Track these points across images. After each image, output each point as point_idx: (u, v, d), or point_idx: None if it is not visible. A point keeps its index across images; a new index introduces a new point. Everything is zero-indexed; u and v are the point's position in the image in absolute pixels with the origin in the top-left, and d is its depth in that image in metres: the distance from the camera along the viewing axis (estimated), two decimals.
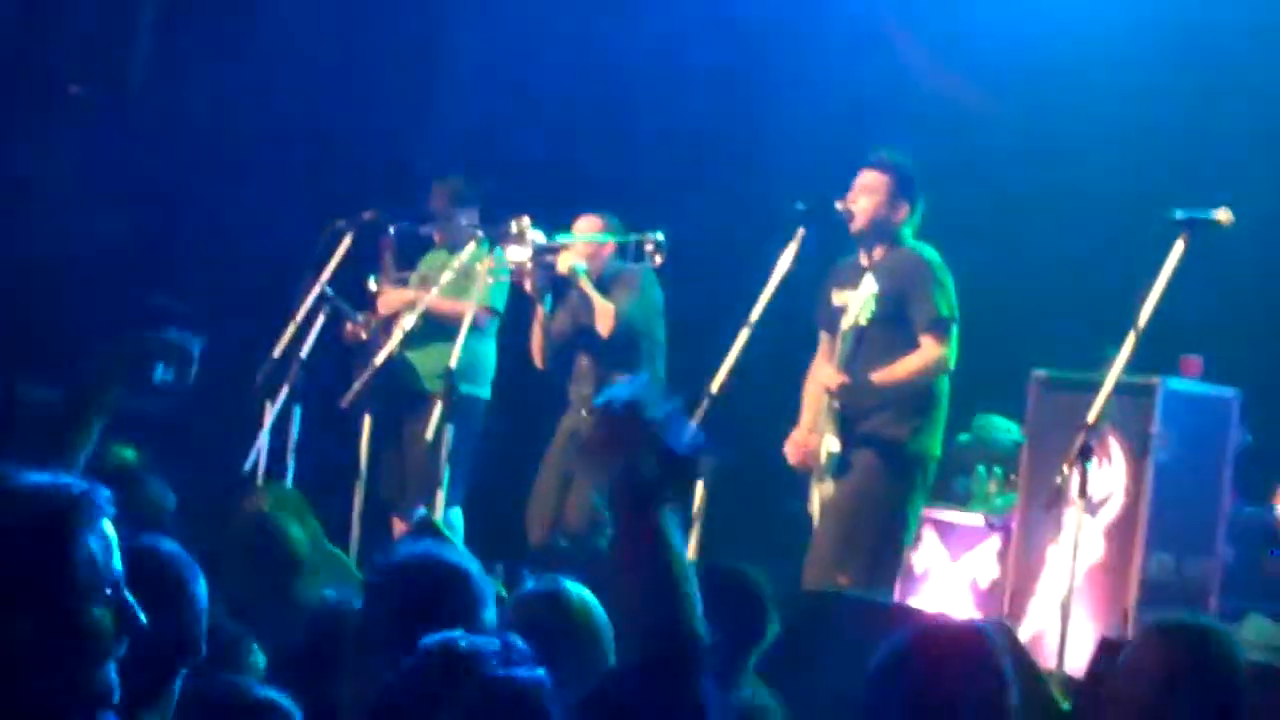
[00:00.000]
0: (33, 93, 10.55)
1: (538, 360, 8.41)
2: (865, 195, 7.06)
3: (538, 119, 10.49)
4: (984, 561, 8.62)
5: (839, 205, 7.06)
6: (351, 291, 8.69)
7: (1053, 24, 9.49)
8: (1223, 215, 6.00)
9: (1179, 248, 5.90)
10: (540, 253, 8.15)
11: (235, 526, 5.74)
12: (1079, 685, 5.39)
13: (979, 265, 7.50)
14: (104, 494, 2.57)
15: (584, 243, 8.28)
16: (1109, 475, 7.79)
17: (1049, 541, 7.94)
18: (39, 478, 2.56)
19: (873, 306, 6.86)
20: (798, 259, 6.88)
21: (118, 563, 2.56)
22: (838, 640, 4.91)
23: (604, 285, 8.28)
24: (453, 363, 7.74)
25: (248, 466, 8.09)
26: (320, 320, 8.26)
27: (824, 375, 6.91)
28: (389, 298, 8.71)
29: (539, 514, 8.36)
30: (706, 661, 2.77)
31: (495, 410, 8.62)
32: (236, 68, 10.27)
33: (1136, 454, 7.72)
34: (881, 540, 6.89)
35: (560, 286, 8.34)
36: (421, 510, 7.93)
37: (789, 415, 7.16)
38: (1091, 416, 5.77)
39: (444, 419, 7.66)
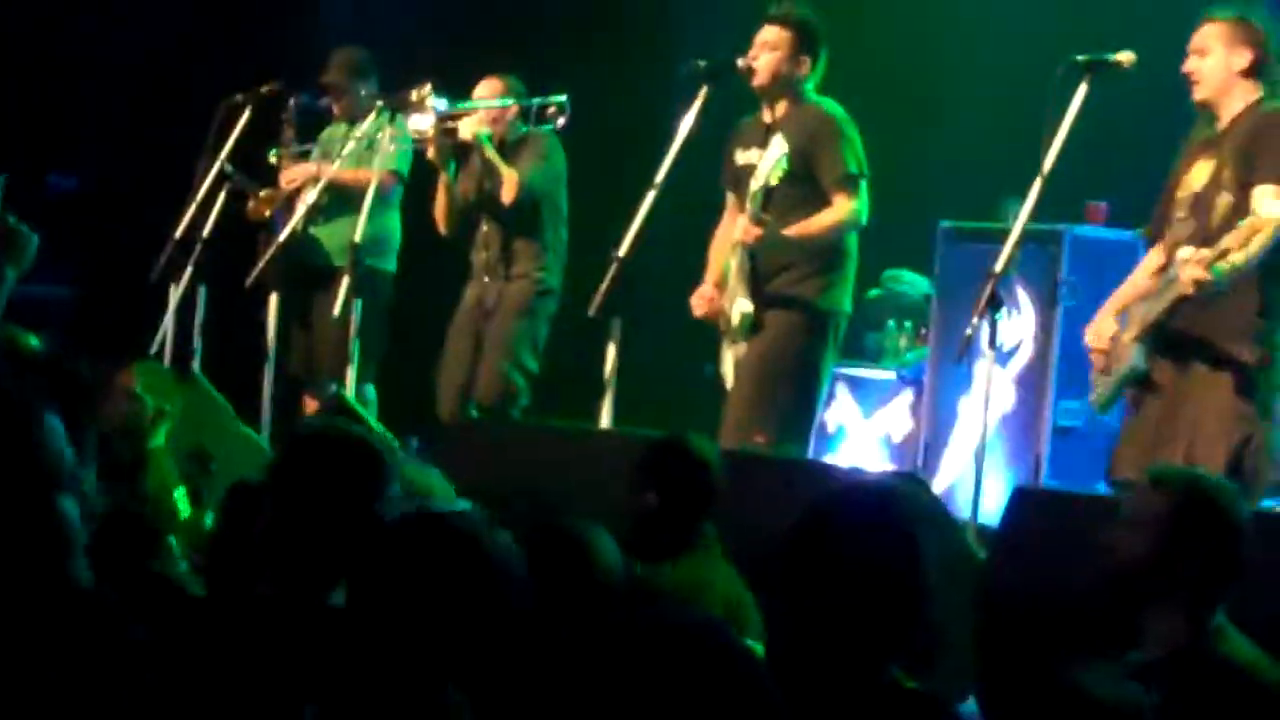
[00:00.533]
0: None
1: (442, 227, 8.34)
2: (767, 51, 7.00)
3: None
4: (897, 416, 8.67)
5: (740, 63, 7.00)
6: (252, 168, 8.58)
7: None
8: (1124, 57, 5.99)
9: (1082, 92, 5.88)
10: (443, 119, 8.06)
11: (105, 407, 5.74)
12: (994, 534, 5.43)
13: (881, 118, 7.47)
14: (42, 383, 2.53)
15: (487, 108, 8.20)
16: (1018, 324, 7.83)
17: (960, 393, 8.00)
18: None
19: (784, 166, 6.83)
20: (701, 119, 6.83)
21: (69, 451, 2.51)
22: (755, 500, 4.92)
23: (507, 150, 8.21)
24: (357, 237, 7.67)
25: (153, 349, 8.03)
26: (221, 198, 8.16)
27: (738, 229, 6.88)
28: (291, 172, 8.61)
29: (449, 385, 8.31)
30: None
31: (400, 281, 8.56)
32: None
33: (1045, 302, 7.76)
34: (796, 399, 6.90)
35: (463, 153, 8.26)
36: (334, 387, 7.90)
37: (697, 278, 7.14)
38: (999, 266, 5.76)
39: (351, 294, 7.60)
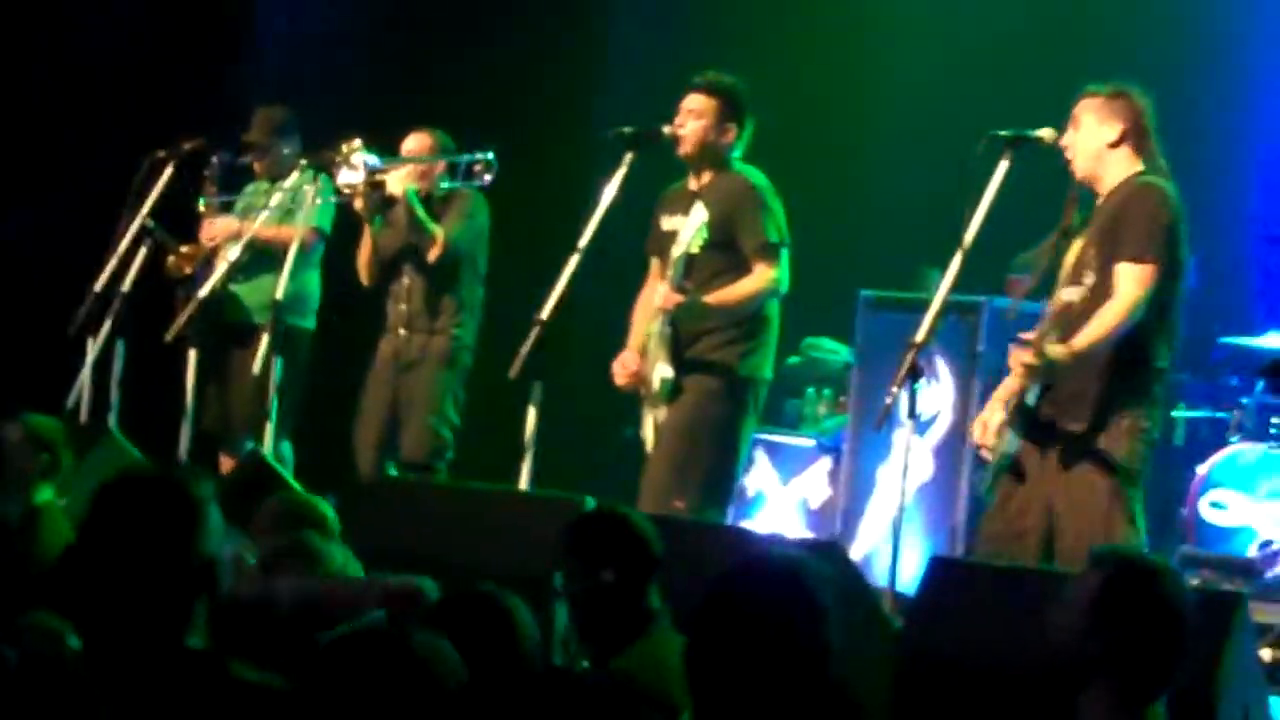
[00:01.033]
0: None
1: (364, 278, 8.32)
2: (693, 119, 7.04)
3: (362, 37, 10.38)
4: (815, 482, 8.71)
5: (666, 129, 7.03)
6: (174, 223, 8.54)
7: None
8: (1045, 134, 6.05)
9: (1003, 167, 5.94)
10: (371, 173, 8.06)
11: None
12: (910, 603, 5.44)
13: (804, 186, 7.51)
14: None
15: (415, 163, 8.20)
16: (937, 394, 7.89)
17: (879, 461, 8.04)
18: None
19: (705, 235, 6.86)
20: (625, 184, 6.86)
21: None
22: (673, 565, 4.91)
23: (433, 204, 8.21)
24: (279, 294, 7.64)
25: (70, 403, 7.96)
26: (142, 253, 8.12)
27: (659, 296, 6.89)
28: (213, 228, 8.57)
29: (366, 441, 8.28)
30: None
31: (318, 335, 8.55)
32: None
33: (963, 373, 7.82)
34: (715, 464, 6.91)
35: (388, 205, 8.26)
36: (250, 444, 7.85)
37: (619, 342, 7.14)
38: (919, 337, 5.79)
39: (271, 351, 7.56)
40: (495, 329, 8.15)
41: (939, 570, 5.33)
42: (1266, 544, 7.94)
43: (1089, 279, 5.87)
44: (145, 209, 8.19)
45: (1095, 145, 5.95)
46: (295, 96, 9.01)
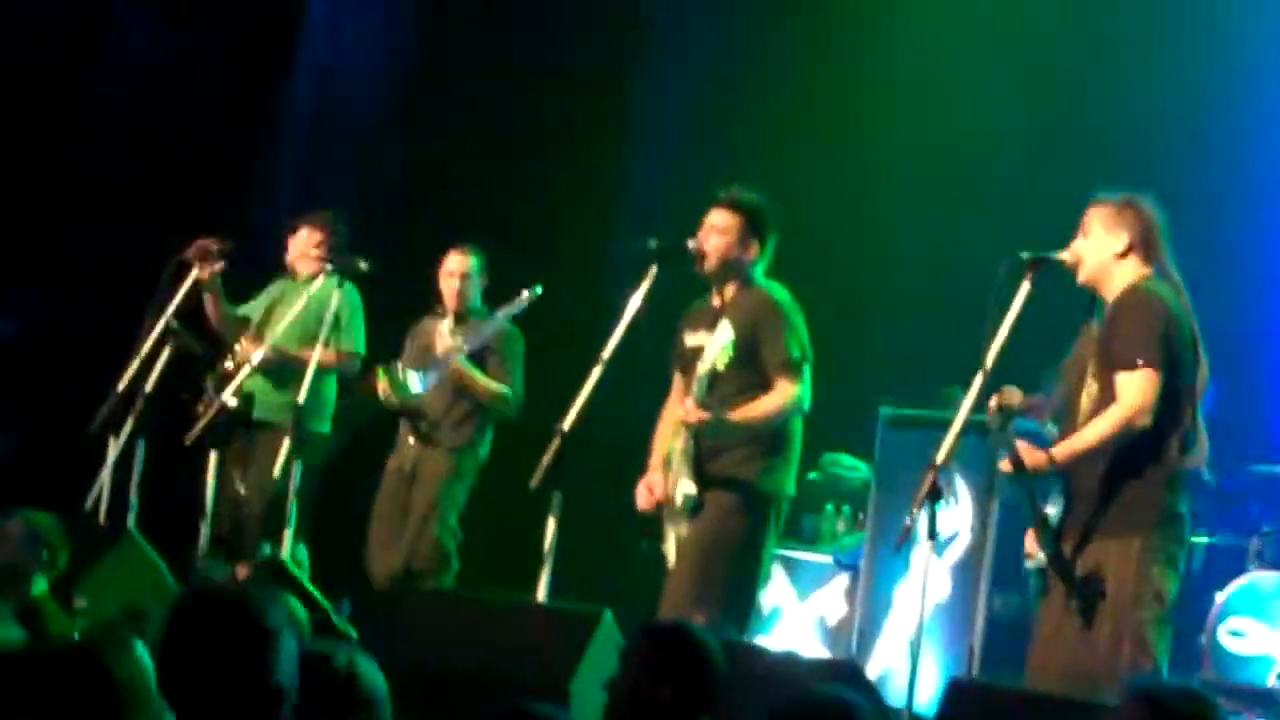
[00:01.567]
0: None
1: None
2: (716, 235, 7.07)
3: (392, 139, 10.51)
4: (832, 600, 8.67)
5: (690, 244, 7.07)
6: (195, 323, 8.58)
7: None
8: (1068, 255, 6.07)
9: (1025, 287, 5.95)
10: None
11: None
12: None
13: (827, 303, 7.53)
14: None
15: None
16: (956, 514, 7.87)
17: (896, 580, 8.01)
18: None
19: (730, 351, 6.87)
20: (649, 297, 6.88)
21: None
22: None
23: (466, 319, 8.28)
24: (301, 399, 7.66)
25: (89, 504, 7.96)
26: (165, 354, 8.14)
27: (684, 411, 6.90)
28: (245, 352, 8.51)
29: (380, 550, 8.35)
30: None
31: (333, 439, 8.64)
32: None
33: (983, 494, 7.80)
34: (736, 580, 6.88)
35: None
36: (268, 548, 7.85)
37: (641, 454, 7.14)
38: (940, 458, 5.77)
39: (292, 455, 7.59)
40: (517, 439, 8.16)
41: (956, 692, 5.31)
42: None
43: (1093, 389, 5.89)
44: (170, 310, 8.22)
45: (1103, 254, 5.97)
46: (316, 208, 9.05)
